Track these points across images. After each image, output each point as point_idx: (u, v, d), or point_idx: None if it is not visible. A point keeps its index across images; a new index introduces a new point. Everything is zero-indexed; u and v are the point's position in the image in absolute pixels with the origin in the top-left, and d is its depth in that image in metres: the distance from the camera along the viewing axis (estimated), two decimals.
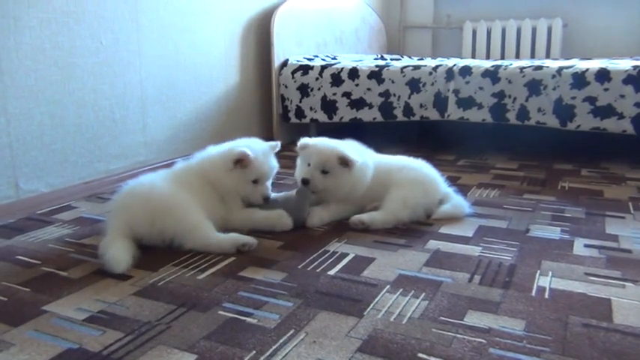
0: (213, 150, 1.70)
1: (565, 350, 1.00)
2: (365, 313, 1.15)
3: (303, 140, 1.77)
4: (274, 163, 1.71)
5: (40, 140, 1.94)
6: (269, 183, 1.71)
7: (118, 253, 1.37)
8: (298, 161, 1.81)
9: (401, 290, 1.26)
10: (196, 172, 1.64)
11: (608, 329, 1.08)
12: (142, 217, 1.47)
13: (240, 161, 1.61)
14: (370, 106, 2.94)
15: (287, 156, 2.88)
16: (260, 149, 1.68)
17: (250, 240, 1.52)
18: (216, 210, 1.60)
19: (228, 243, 1.51)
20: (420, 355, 0.99)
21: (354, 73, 2.95)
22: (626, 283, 1.29)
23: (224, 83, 2.86)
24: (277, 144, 1.74)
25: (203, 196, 1.57)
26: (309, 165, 1.73)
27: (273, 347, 1.02)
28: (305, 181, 1.71)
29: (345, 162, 1.69)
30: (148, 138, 2.39)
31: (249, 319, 1.12)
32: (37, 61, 1.90)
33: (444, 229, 1.68)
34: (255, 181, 1.65)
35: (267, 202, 1.68)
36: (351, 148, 1.76)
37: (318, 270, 1.38)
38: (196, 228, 1.50)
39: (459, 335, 1.06)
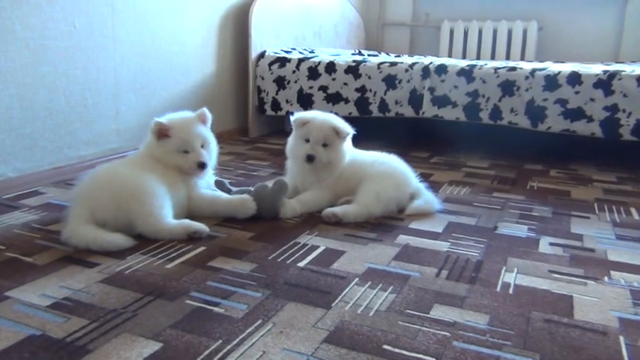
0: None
1: (526, 344, 1.03)
2: (333, 305, 1.15)
3: (300, 115, 1.79)
4: (199, 131, 1.65)
5: (7, 124, 1.89)
6: (206, 151, 1.66)
7: (110, 234, 1.41)
8: (292, 137, 1.82)
9: (369, 283, 1.27)
10: (146, 155, 1.63)
11: (569, 325, 1.11)
12: (107, 202, 1.46)
13: (161, 132, 1.61)
14: (346, 101, 2.94)
15: (262, 148, 2.88)
16: (180, 118, 1.66)
17: (201, 227, 1.53)
18: (176, 190, 1.59)
19: (179, 230, 1.50)
20: (385, 346, 1.00)
21: (331, 67, 2.96)
22: (587, 281, 1.32)
23: (200, 73, 2.84)
24: (202, 112, 1.68)
25: (161, 178, 1.56)
26: (307, 141, 1.75)
27: (240, 337, 1.02)
28: (311, 158, 1.73)
29: (339, 133, 1.75)
30: (120, 125, 2.36)
31: (216, 309, 1.12)
32: (6, 42, 1.85)
33: (414, 225, 1.70)
34: (186, 152, 1.62)
35: (202, 168, 1.63)
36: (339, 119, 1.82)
37: (288, 261, 1.38)
38: (151, 213, 1.48)
39: (424, 328, 1.07)
